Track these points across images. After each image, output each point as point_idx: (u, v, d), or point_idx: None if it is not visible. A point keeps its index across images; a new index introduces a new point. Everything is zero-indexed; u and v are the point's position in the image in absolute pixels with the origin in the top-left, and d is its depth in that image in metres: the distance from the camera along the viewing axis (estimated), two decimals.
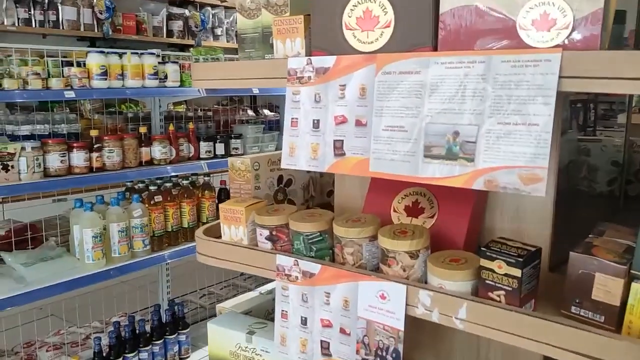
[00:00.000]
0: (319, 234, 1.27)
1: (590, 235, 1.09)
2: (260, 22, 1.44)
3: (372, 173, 1.10)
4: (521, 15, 0.95)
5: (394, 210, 1.33)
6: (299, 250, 1.29)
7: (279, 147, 3.78)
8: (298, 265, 1.26)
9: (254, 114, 4.87)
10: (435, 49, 1.06)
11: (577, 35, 0.90)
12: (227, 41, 6.56)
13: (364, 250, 1.21)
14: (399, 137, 1.06)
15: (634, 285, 0.94)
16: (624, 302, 0.95)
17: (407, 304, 1.09)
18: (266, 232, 1.35)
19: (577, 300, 1.00)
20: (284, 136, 1.24)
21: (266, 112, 5.35)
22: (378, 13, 1.12)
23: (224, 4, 6.54)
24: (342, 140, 1.15)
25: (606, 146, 1.67)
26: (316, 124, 1.19)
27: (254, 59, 1.45)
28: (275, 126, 4.17)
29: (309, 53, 1.25)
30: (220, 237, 1.45)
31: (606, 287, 0.97)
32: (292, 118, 1.22)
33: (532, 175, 0.92)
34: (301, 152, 1.21)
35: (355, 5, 1.14)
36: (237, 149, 3.45)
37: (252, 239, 1.39)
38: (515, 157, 0.93)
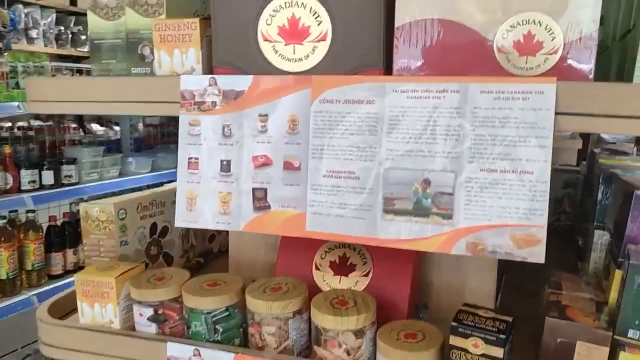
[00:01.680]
0: (225, 309, 0.95)
1: (548, 290, 0.96)
2: (123, 24, 1.10)
3: (311, 233, 0.83)
4: (500, 35, 0.77)
5: (317, 268, 1.07)
6: (199, 333, 0.95)
7: (123, 173, 3.24)
8: (200, 355, 0.92)
9: (81, 131, 4.14)
10: (387, 72, 0.83)
11: (568, 62, 0.75)
12: (45, 45, 5.60)
13: (291, 329, 0.93)
14: (347, 185, 0.81)
15: (623, 355, 0.81)
16: None
17: None
18: (149, 311, 0.98)
19: None
20: (178, 183, 0.89)
21: (95, 127, 4.59)
22: (309, 22, 0.85)
23: (39, 2, 5.61)
24: (265, 189, 0.86)
25: None
26: (226, 167, 0.88)
27: (114, 74, 1.10)
28: (114, 147, 3.57)
29: (208, 70, 0.93)
30: (72, 315, 1.04)
31: (589, 357, 0.84)
32: (190, 158, 0.89)
33: (527, 236, 0.73)
34: (205, 204, 0.88)
35: (277, 11, 0.86)
36: (70, 177, 2.84)
37: (127, 320, 1.01)
38: (506, 213, 0.74)
